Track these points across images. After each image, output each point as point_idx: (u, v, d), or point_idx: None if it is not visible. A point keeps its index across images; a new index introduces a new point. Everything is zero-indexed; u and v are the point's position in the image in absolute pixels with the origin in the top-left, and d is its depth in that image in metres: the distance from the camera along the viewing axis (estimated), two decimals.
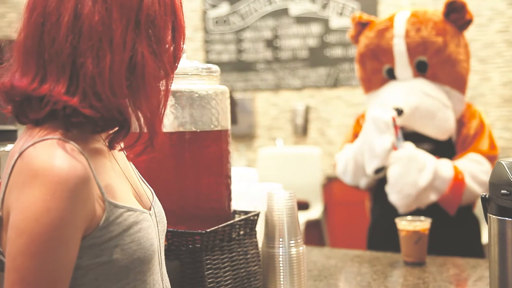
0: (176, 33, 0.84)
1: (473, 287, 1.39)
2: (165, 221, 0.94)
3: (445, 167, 1.83)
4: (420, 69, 1.94)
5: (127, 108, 0.79)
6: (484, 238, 2.09)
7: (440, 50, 1.91)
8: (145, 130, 0.81)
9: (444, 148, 1.91)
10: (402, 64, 1.94)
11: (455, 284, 1.41)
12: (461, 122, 1.94)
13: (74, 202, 0.71)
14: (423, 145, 1.90)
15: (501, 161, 1.12)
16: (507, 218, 1.11)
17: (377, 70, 2.02)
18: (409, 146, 1.85)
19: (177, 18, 0.84)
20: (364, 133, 1.91)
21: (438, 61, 1.92)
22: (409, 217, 1.64)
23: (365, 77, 2.07)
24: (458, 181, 1.82)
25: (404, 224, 1.60)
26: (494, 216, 1.13)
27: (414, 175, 1.78)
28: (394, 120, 1.82)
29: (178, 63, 0.86)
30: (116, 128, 0.80)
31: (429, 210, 1.82)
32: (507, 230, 1.11)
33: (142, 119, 0.81)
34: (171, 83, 0.85)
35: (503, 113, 4.14)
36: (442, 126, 1.87)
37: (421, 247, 1.59)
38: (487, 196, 1.14)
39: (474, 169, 1.84)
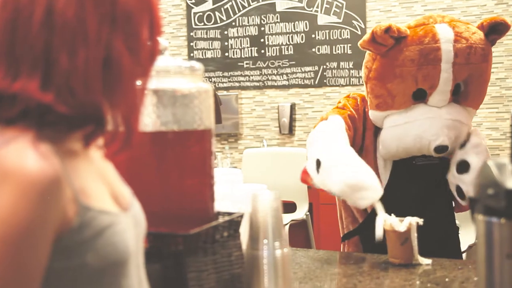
0: (153, 29, 0.82)
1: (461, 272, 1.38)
2: (144, 223, 0.92)
3: None
4: (455, 93, 1.83)
5: (103, 106, 0.77)
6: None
7: (482, 76, 1.83)
8: (122, 129, 0.79)
9: None
10: (443, 91, 1.79)
11: (442, 285, 1.40)
12: None
13: (44, 204, 0.69)
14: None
15: (488, 162, 1.11)
16: (494, 219, 1.09)
17: (405, 93, 1.82)
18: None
19: (154, 14, 0.82)
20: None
21: (475, 86, 1.83)
22: (395, 218, 1.62)
23: (383, 95, 1.84)
24: None
25: (390, 225, 1.59)
26: (481, 217, 1.12)
27: None
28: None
29: (155, 61, 0.85)
30: (92, 127, 0.78)
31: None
32: (494, 230, 1.10)
33: (118, 117, 0.79)
34: (148, 80, 0.84)
35: (492, 112, 4.15)
36: None
37: (408, 248, 1.57)
38: (474, 196, 1.13)
39: None
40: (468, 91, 1.83)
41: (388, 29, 1.75)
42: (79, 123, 0.76)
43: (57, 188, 0.71)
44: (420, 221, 1.59)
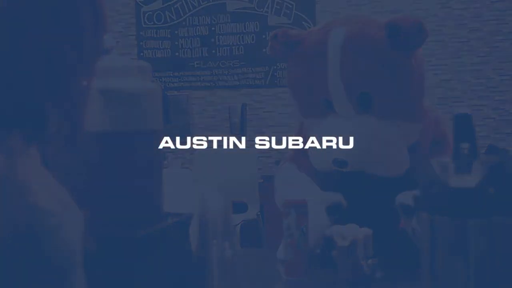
0: (97, 25, 0.81)
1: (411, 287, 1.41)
2: (83, 223, 0.90)
3: None
4: (363, 104, 1.59)
5: (45, 104, 0.75)
6: None
7: (386, 85, 1.55)
8: (66, 127, 0.78)
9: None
10: (339, 100, 1.58)
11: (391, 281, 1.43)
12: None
13: None
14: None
15: (431, 161, 1.14)
16: (436, 216, 1.12)
17: (312, 102, 1.66)
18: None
19: (99, 9, 0.81)
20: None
21: (384, 97, 1.56)
22: (339, 230, 1.46)
23: (299, 104, 1.72)
24: None
25: (338, 235, 1.46)
26: (425, 215, 1.15)
27: None
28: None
29: (99, 58, 0.84)
30: (33, 126, 0.76)
31: None
32: (438, 228, 1.13)
33: (61, 116, 0.77)
34: (93, 78, 0.82)
35: None
36: (396, 168, 1.60)
37: None
38: (418, 195, 1.16)
39: None
40: (380, 104, 1.58)
41: (275, 36, 1.64)
42: (22, 122, 0.75)
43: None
44: (369, 231, 1.46)
